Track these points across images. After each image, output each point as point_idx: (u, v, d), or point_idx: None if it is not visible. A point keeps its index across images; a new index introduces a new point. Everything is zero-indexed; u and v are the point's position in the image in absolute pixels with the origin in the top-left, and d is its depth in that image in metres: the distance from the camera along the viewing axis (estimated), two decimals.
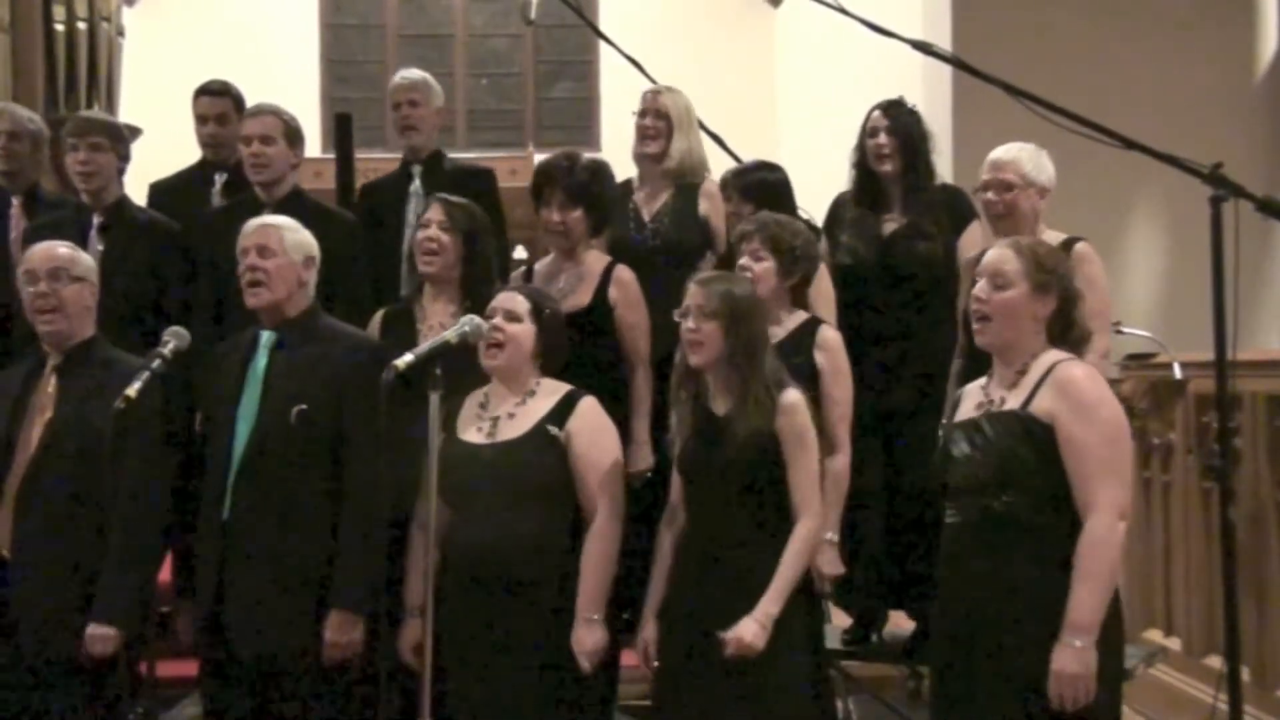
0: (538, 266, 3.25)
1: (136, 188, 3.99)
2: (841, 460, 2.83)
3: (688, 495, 2.58)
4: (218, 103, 3.81)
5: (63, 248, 2.79)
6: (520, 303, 2.63)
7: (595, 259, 3.19)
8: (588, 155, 3.29)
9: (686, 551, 2.56)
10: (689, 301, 2.54)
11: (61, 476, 2.63)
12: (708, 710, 2.45)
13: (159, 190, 3.87)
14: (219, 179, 3.72)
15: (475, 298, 2.88)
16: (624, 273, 3.20)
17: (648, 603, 2.60)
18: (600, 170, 3.23)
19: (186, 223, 3.44)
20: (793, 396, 2.51)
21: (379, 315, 3.01)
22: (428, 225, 2.92)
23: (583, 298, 3.09)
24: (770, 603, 2.41)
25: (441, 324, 2.90)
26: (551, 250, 3.24)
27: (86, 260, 2.80)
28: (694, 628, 2.48)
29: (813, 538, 2.49)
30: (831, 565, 2.85)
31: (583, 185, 3.12)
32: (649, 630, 2.58)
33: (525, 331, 2.61)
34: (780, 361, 2.59)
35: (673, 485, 2.63)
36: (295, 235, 2.73)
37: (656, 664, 2.56)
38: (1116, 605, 2.27)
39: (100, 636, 2.56)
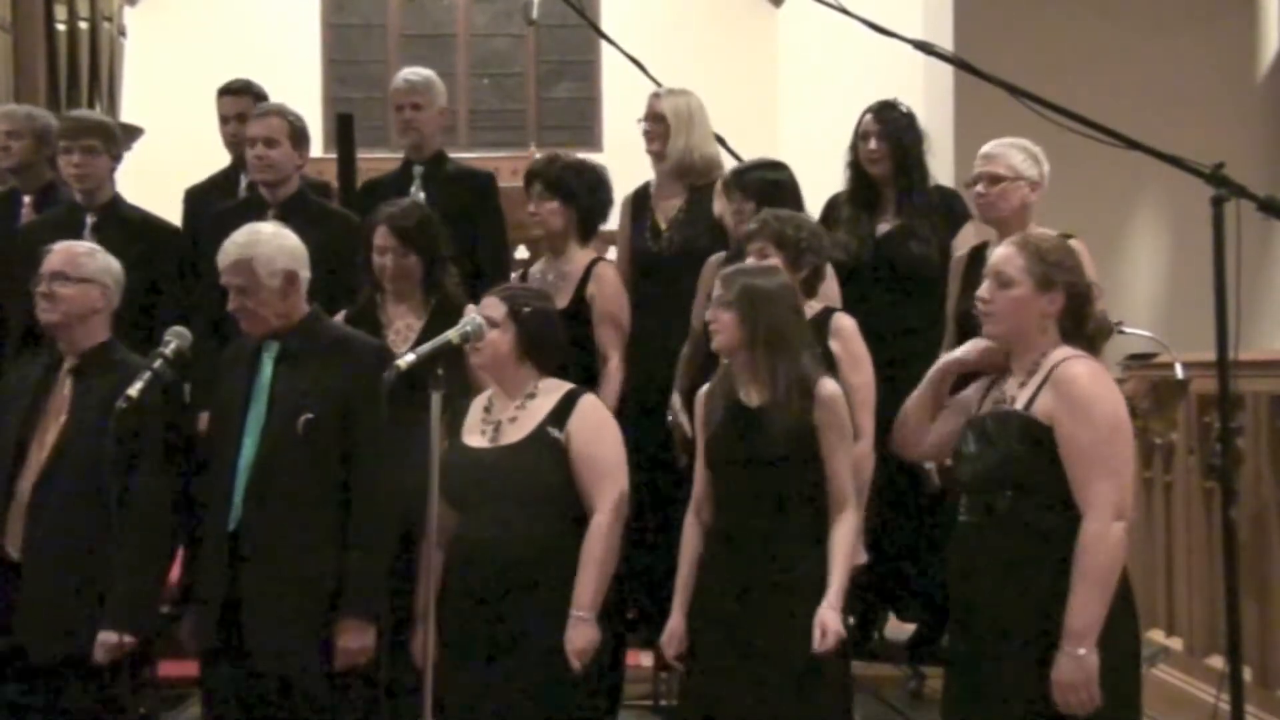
0: (532, 270, 3.26)
1: (137, 187, 4.00)
2: (864, 447, 2.80)
3: (718, 487, 2.56)
4: (238, 102, 3.81)
5: (78, 248, 2.77)
6: (496, 307, 2.62)
7: (581, 257, 3.20)
8: (580, 158, 3.30)
9: (717, 545, 2.54)
10: (713, 292, 2.55)
11: (74, 481, 2.62)
12: (741, 705, 2.44)
13: (193, 195, 3.88)
14: (245, 178, 3.71)
15: (438, 293, 2.94)
16: (604, 268, 3.22)
17: (676, 596, 2.58)
18: (585, 170, 3.24)
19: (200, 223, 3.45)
20: (830, 388, 2.50)
21: (339, 316, 2.98)
22: (383, 253, 2.94)
23: (564, 298, 3.09)
24: (838, 591, 2.43)
25: (408, 325, 2.94)
26: (525, 251, 3.27)
27: (99, 264, 2.75)
28: (728, 622, 2.48)
29: (856, 529, 2.50)
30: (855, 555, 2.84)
31: (560, 179, 3.15)
32: (677, 624, 2.56)
33: (499, 338, 2.59)
34: (817, 353, 2.58)
35: (697, 477, 2.61)
36: (269, 260, 2.63)
37: (683, 658, 2.56)
38: (1129, 601, 2.27)
39: (111, 645, 2.55)
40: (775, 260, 2.80)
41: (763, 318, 2.48)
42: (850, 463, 2.51)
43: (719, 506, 2.56)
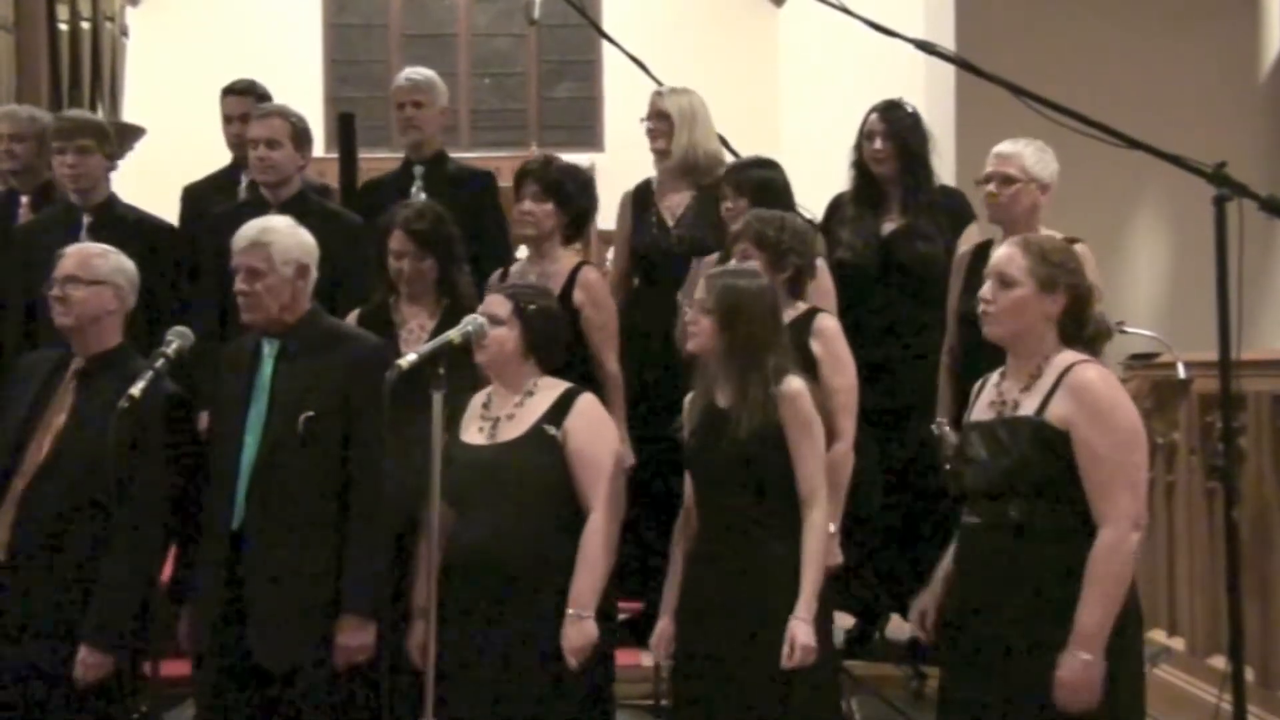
0: (513, 269, 3.25)
1: (139, 187, 4.00)
2: (842, 449, 2.78)
3: (696, 489, 2.58)
4: (242, 102, 3.81)
5: (90, 250, 2.76)
6: (502, 304, 2.63)
7: (565, 259, 3.20)
8: (571, 161, 3.32)
9: (699, 546, 2.56)
10: (696, 294, 2.56)
11: (67, 484, 2.60)
12: (724, 705, 2.45)
13: (191, 193, 3.88)
14: (245, 178, 3.71)
15: (451, 294, 2.95)
16: (589, 273, 3.21)
17: (664, 601, 2.60)
18: (577, 173, 3.25)
19: (200, 222, 3.45)
20: (794, 385, 2.49)
21: (353, 316, 2.99)
22: (399, 257, 2.94)
23: None
24: (808, 601, 2.42)
25: (421, 326, 2.94)
26: (526, 251, 3.25)
27: (112, 265, 2.73)
28: (706, 623, 2.49)
29: (826, 527, 2.49)
30: (831, 556, 2.84)
31: (558, 182, 3.15)
32: (666, 626, 2.57)
33: (505, 334, 2.60)
34: (789, 353, 2.57)
35: (686, 485, 2.62)
36: (285, 249, 2.65)
37: (670, 661, 2.57)
38: (1135, 605, 2.27)
39: (93, 664, 2.54)
40: (753, 262, 2.78)
41: (740, 326, 2.49)
42: (819, 459, 2.50)
43: (699, 508, 2.58)
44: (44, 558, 2.59)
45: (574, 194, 3.18)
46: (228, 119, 3.84)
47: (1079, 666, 2.14)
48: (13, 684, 2.60)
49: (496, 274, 3.22)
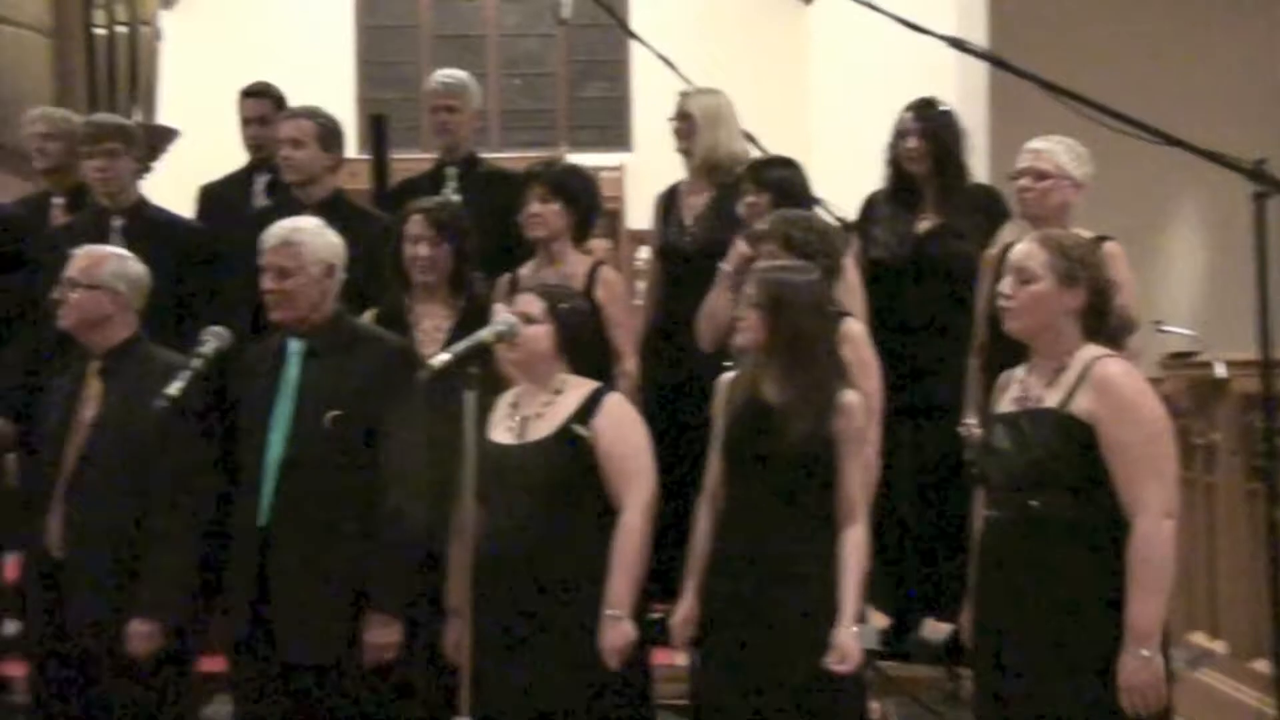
0: (523, 271, 3.23)
1: (174, 189, 4.04)
2: (867, 453, 2.75)
3: (731, 480, 2.57)
4: (259, 104, 3.85)
5: (97, 253, 2.80)
6: (535, 304, 2.63)
7: (578, 261, 3.22)
8: (573, 162, 3.38)
9: (727, 538, 2.55)
10: (745, 289, 2.57)
11: (106, 475, 2.66)
12: (749, 704, 2.45)
13: (208, 193, 3.92)
14: (261, 180, 3.75)
15: (467, 292, 2.97)
16: (608, 272, 3.24)
17: (686, 581, 2.59)
18: (581, 172, 3.29)
19: (230, 223, 3.48)
20: (851, 398, 2.50)
21: (368, 315, 2.99)
22: (417, 242, 2.95)
23: None
24: (850, 613, 2.43)
25: (436, 326, 2.94)
26: (535, 254, 3.25)
27: (113, 268, 2.76)
28: (735, 621, 2.48)
29: (865, 541, 2.49)
30: None
31: (564, 182, 3.17)
32: (690, 608, 2.56)
33: (540, 332, 2.61)
34: (837, 350, 2.58)
35: (710, 466, 2.61)
36: (314, 249, 2.68)
37: (697, 651, 2.56)
38: None
39: (143, 634, 2.60)
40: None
41: (785, 318, 2.49)
42: (862, 474, 2.52)
43: (729, 498, 2.57)
44: (94, 551, 2.65)
45: (579, 192, 3.20)
46: (245, 121, 3.89)
47: (1139, 665, 2.13)
48: (71, 678, 2.66)
49: (505, 278, 3.21)
